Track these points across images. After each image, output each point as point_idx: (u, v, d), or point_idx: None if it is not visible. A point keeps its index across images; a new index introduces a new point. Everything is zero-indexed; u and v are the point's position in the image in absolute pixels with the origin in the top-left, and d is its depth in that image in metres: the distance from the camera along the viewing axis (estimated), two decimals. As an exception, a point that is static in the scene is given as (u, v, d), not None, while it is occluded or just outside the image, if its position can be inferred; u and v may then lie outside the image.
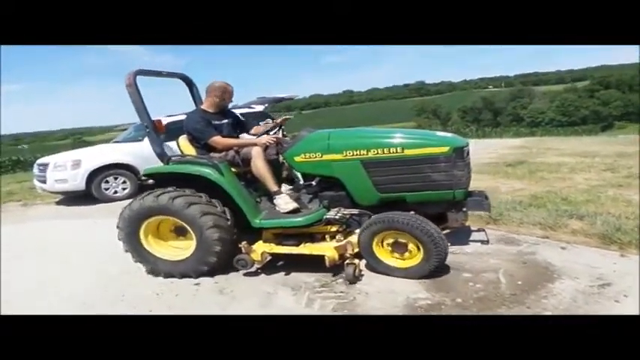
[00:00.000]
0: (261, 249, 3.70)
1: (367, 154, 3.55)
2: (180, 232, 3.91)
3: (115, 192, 8.07)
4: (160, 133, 3.94)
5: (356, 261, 3.52)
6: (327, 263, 3.47)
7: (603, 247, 3.83)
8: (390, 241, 3.46)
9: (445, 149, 3.46)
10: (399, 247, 3.45)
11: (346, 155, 3.58)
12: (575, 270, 3.38)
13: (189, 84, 4.60)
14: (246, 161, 3.90)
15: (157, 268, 3.89)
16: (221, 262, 3.73)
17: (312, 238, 3.76)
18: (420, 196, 3.60)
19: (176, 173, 3.77)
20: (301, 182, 4.03)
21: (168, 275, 3.86)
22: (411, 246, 3.41)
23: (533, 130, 35.86)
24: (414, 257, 3.42)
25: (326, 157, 3.63)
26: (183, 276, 3.80)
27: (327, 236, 3.73)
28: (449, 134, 3.96)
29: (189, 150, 4.08)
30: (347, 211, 3.67)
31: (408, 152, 3.49)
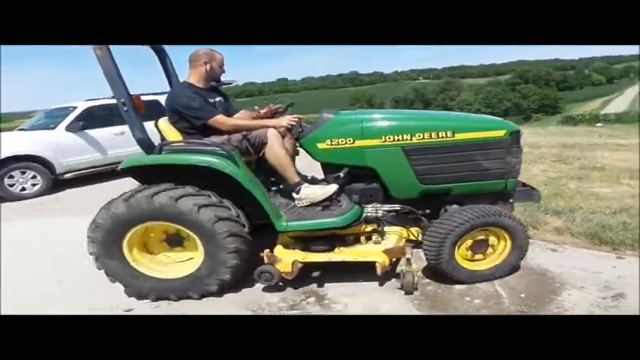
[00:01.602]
0: (290, 257, 2.96)
1: (411, 140, 2.95)
2: (174, 242, 3.08)
3: (23, 189, 6.79)
4: (139, 112, 3.02)
5: (414, 267, 2.94)
6: (379, 271, 2.89)
7: (593, 247, 3.52)
8: (470, 242, 2.94)
9: (501, 133, 2.99)
10: (479, 247, 2.96)
11: (385, 141, 2.96)
12: (576, 277, 3.00)
13: (161, 54, 3.58)
14: (259, 147, 3.12)
15: (147, 289, 3.01)
16: (236, 276, 2.99)
17: (344, 240, 3.13)
18: (468, 187, 3.07)
19: (174, 165, 2.89)
20: (308, 175, 3.33)
21: (162, 297, 3.01)
22: (492, 240, 2.97)
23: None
24: (499, 251, 3.00)
25: (359, 142, 2.98)
26: (185, 297, 3.00)
27: (362, 237, 3.13)
28: (497, 118, 3.45)
29: (174, 135, 3.18)
30: (387, 207, 3.09)
31: (459, 137, 2.95)
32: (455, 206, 3.04)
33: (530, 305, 2.70)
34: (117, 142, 7.50)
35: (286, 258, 2.96)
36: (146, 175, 2.99)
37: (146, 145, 3.04)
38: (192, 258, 3.03)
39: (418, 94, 79.62)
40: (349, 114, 3.21)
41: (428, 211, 3.20)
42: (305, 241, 3.12)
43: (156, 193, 2.79)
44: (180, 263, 3.06)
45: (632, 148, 8.57)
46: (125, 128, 7.51)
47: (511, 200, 3.21)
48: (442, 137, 2.96)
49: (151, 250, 3.09)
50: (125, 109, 2.92)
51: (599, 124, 20.51)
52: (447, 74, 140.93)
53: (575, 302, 2.69)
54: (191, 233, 2.86)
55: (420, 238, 3.20)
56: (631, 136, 11.89)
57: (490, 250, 2.99)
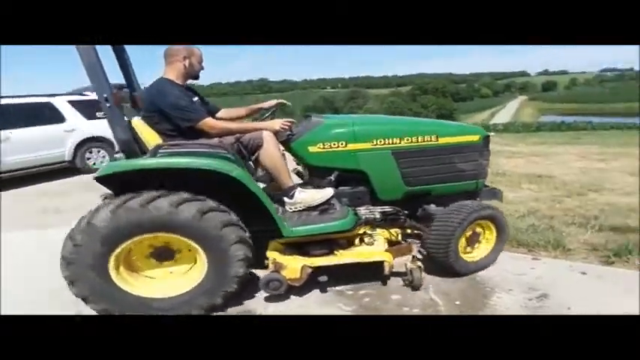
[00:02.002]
0: (298, 263, 2.84)
1: (400, 143, 3.11)
2: (162, 256, 2.74)
3: None
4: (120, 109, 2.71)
5: (419, 263, 3.03)
6: (387, 270, 2.96)
7: (511, 249, 3.70)
8: (468, 234, 3.14)
9: (476, 137, 3.30)
10: (473, 240, 3.18)
11: (376, 144, 3.08)
12: (503, 279, 3.12)
13: (122, 53, 3.12)
14: (252, 149, 2.97)
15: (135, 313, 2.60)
16: (239, 289, 2.76)
17: (338, 243, 3.09)
18: (446, 188, 3.31)
19: (176, 169, 2.56)
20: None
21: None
22: (479, 230, 3.21)
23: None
24: (486, 241, 3.26)
25: (351, 146, 3.05)
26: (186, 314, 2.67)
27: (356, 240, 3.16)
28: (471, 124, 3.72)
29: (152, 137, 2.86)
30: (379, 209, 3.19)
31: (442, 141, 3.19)
32: (433, 205, 3.27)
33: (465, 312, 2.73)
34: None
35: (292, 264, 2.83)
36: (125, 182, 2.59)
37: (129, 147, 2.68)
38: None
39: (327, 103, 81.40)
40: (340, 118, 3.35)
41: (406, 211, 3.31)
42: (299, 246, 3.01)
43: (182, 201, 2.50)
44: (178, 279, 2.73)
45: (524, 156, 9.47)
46: (9, 134, 6.66)
47: (478, 199, 3.41)
48: (427, 141, 3.15)
49: (135, 267, 2.72)
50: (108, 104, 2.57)
51: (491, 134, 22.50)
52: (353, 84, 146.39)
53: (506, 306, 2.77)
54: (193, 243, 2.58)
55: (399, 239, 3.33)
56: (518, 144, 13.19)
57: (480, 242, 3.23)
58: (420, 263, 3.01)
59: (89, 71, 2.51)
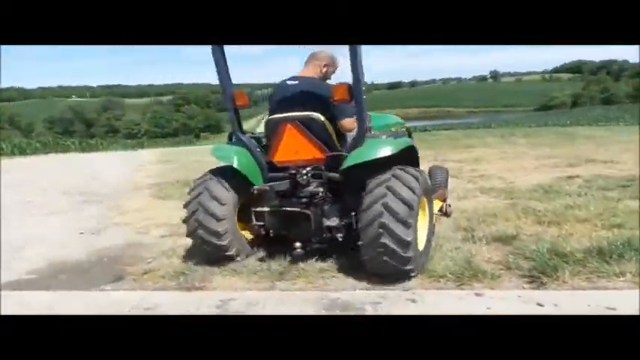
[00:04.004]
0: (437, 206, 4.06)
1: (398, 129, 4.39)
2: None
3: None
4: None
5: (449, 202, 4.59)
6: (445, 209, 4.39)
7: (437, 285, 3.11)
8: None
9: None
10: None
11: (398, 130, 4.36)
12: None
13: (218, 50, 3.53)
14: None
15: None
16: None
17: None
18: None
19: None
20: None
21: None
22: None
23: (141, 141, 35.64)
24: None
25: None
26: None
27: None
28: None
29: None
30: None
31: (405, 127, 4.68)
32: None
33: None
34: None
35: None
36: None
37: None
38: None
39: (77, 114, 71.11)
40: (376, 114, 4.15)
41: None
42: None
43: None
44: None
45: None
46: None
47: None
48: (404, 128, 4.57)
49: None
50: (364, 96, 3.18)
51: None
52: (105, 93, 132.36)
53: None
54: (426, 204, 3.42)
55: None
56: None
57: None
58: (449, 202, 4.50)
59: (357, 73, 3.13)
